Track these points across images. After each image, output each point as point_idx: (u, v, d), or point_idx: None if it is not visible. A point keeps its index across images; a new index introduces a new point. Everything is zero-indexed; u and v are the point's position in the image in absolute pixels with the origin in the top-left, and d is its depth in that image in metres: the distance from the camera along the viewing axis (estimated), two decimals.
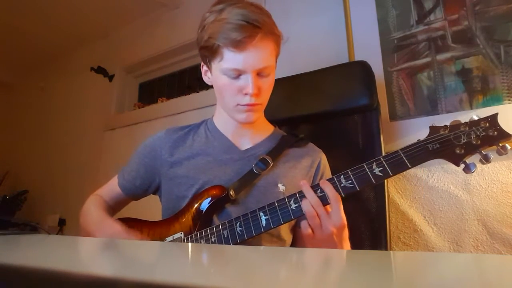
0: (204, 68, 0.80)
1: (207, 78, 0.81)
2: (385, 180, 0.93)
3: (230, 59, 0.69)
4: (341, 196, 0.61)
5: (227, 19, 0.68)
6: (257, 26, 0.67)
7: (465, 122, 0.60)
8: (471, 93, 1.02)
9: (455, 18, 1.07)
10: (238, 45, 0.67)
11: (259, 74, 0.71)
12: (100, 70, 2.24)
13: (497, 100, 0.97)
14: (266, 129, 0.87)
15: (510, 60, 0.97)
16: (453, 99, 1.04)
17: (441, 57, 1.08)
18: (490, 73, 1.00)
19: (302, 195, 0.63)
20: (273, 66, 0.75)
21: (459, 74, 1.04)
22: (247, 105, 0.72)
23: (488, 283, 0.26)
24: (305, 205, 0.61)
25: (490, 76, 0.99)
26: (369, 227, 0.91)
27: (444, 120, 0.64)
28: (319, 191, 0.62)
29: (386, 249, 0.88)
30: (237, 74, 0.70)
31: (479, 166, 0.96)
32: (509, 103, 0.95)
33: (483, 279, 0.27)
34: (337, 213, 0.60)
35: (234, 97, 0.73)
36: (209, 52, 0.72)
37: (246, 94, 0.71)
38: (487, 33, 1.01)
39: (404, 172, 1.08)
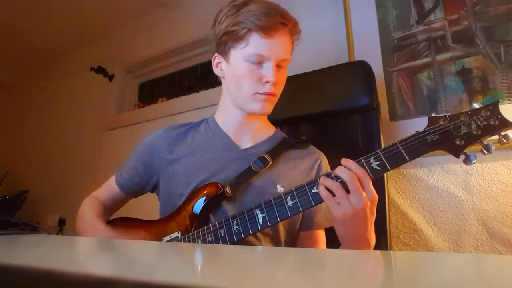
0: (216, 60, 0.80)
1: (219, 70, 0.81)
2: (385, 180, 0.93)
3: (256, 44, 0.71)
4: None
5: (257, 9, 0.71)
6: (286, 18, 0.72)
7: (465, 112, 0.58)
8: (471, 93, 1.02)
9: (455, 18, 1.07)
10: (268, 31, 0.70)
11: (278, 65, 0.74)
12: (100, 70, 2.24)
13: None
14: (268, 130, 0.86)
15: (510, 60, 0.97)
16: (453, 99, 1.04)
17: (441, 57, 1.08)
18: (490, 73, 1.00)
19: (299, 192, 0.63)
20: (289, 61, 0.77)
21: (459, 74, 1.04)
22: (266, 93, 0.73)
23: (488, 283, 0.26)
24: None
25: (490, 76, 0.99)
26: None
27: None
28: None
29: (386, 249, 0.88)
30: (260, 60, 0.72)
31: (479, 166, 0.97)
32: (509, 103, 0.95)
33: (483, 279, 0.27)
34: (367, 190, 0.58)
35: (254, 85, 0.73)
36: (234, 37, 0.73)
37: (266, 82, 0.73)
38: (487, 33, 1.01)
39: (404, 172, 1.08)
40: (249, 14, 0.71)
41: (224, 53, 0.77)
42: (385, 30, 1.19)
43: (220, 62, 0.80)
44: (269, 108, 0.76)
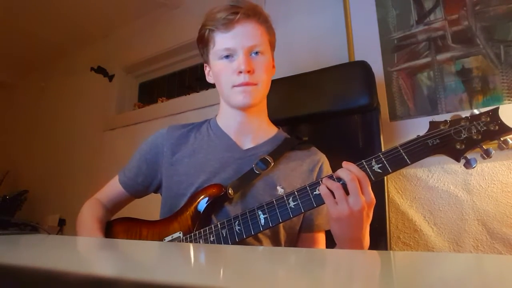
0: (207, 69, 0.85)
1: (210, 78, 0.84)
2: (385, 180, 0.93)
3: (220, 40, 0.75)
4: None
5: (214, 9, 0.76)
6: (238, 6, 0.75)
7: (465, 117, 0.60)
8: (471, 93, 1.02)
9: (455, 18, 1.07)
10: (226, 24, 0.74)
11: (251, 53, 0.75)
12: (100, 70, 2.24)
13: (497, 100, 0.97)
14: (270, 130, 0.86)
15: (510, 60, 0.97)
16: (453, 99, 1.04)
17: (441, 57, 1.08)
18: (490, 73, 1.00)
19: (300, 193, 0.63)
20: (266, 47, 0.78)
21: (459, 74, 1.04)
22: (242, 84, 0.74)
23: (488, 283, 0.26)
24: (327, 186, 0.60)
25: (490, 76, 0.99)
26: (369, 227, 0.91)
27: None
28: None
29: (386, 249, 0.88)
30: (229, 53, 0.75)
31: (479, 166, 0.97)
32: (509, 103, 0.95)
33: (483, 279, 0.27)
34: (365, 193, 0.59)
35: (229, 78, 0.75)
36: (204, 42, 0.79)
37: (240, 72, 0.73)
38: (487, 33, 1.01)
39: (404, 172, 1.08)
40: (208, 17, 0.77)
41: (207, 61, 0.82)
42: (385, 30, 1.19)
43: (209, 71, 0.84)
44: (252, 99, 0.75)
